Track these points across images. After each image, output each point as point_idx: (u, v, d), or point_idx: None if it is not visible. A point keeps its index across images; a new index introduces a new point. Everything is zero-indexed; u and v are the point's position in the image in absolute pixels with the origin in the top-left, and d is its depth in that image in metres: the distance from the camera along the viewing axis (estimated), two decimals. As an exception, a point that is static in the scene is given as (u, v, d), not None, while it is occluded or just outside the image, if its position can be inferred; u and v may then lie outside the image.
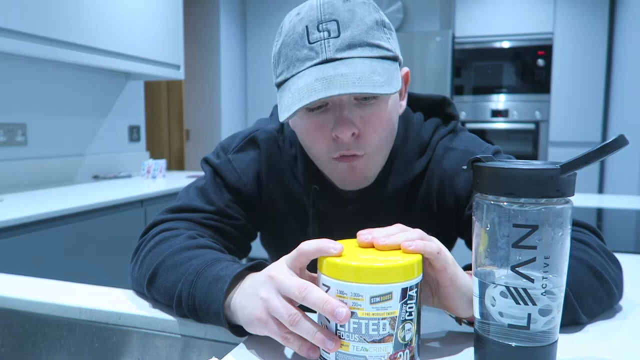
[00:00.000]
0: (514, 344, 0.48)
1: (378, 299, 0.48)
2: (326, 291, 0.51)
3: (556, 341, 0.49)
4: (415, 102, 0.89)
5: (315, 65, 0.68)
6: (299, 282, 0.52)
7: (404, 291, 0.49)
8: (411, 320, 0.50)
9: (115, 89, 2.94)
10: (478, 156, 0.51)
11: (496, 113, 3.88)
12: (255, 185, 0.88)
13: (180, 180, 2.69)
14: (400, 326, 0.50)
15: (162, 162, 2.84)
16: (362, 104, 0.71)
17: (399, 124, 0.85)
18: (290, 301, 0.53)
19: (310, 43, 0.69)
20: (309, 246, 0.53)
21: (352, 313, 0.49)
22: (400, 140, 0.84)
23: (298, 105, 0.66)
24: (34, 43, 1.96)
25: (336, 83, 0.65)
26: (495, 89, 3.90)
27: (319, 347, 0.52)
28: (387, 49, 0.71)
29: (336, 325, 0.50)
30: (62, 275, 1.58)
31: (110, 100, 2.91)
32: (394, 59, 0.72)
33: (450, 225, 0.87)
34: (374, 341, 0.49)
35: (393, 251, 0.53)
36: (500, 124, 3.87)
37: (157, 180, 2.73)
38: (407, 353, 0.51)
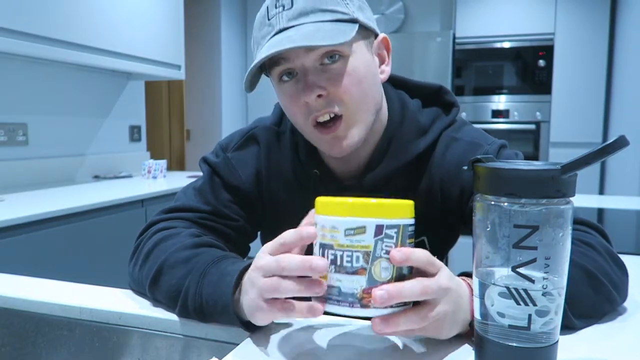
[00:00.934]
0: (514, 344, 0.48)
1: (352, 232, 0.51)
2: (316, 227, 0.55)
3: (557, 342, 0.49)
4: (411, 90, 0.90)
5: (271, 37, 0.72)
6: (273, 258, 0.55)
7: (379, 228, 0.51)
8: (389, 259, 0.51)
9: (116, 89, 2.94)
10: (479, 156, 0.51)
11: (497, 113, 3.88)
12: (255, 182, 0.88)
13: (180, 180, 2.69)
14: (375, 262, 0.51)
15: (163, 162, 2.85)
16: (325, 66, 0.73)
17: (396, 107, 0.85)
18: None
19: (268, 19, 0.73)
20: (290, 236, 0.55)
21: (330, 245, 0.52)
22: (397, 123, 0.84)
23: (248, 70, 0.72)
24: (34, 43, 1.96)
25: (278, 45, 0.69)
26: (496, 90, 3.90)
27: (318, 302, 0.54)
28: (342, 12, 0.73)
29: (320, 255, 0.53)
30: (63, 275, 1.58)
31: (111, 100, 2.91)
32: (352, 21, 0.73)
33: (454, 217, 0.86)
34: (347, 272, 0.51)
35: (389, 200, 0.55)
36: (500, 125, 3.87)
37: (157, 180, 2.73)
38: None
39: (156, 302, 0.74)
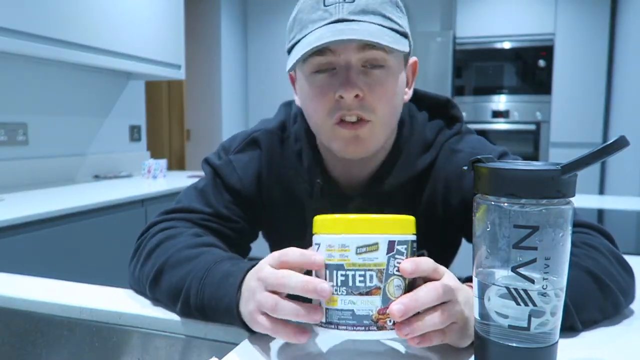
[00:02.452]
0: (514, 344, 0.48)
1: (364, 249, 0.49)
2: (317, 249, 0.52)
3: (556, 342, 0.49)
4: (420, 101, 0.89)
5: (328, 24, 0.70)
6: (276, 272, 0.54)
7: (391, 244, 0.50)
8: (401, 276, 0.50)
9: (116, 89, 2.94)
10: (479, 157, 0.51)
11: (497, 114, 3.88)
12: (256, 186, 0.88)
13: (180, 180, 2.69)
14: (389, 280, 0.50)
15: (163, 162, 2.84)
16: (369, 71, 0.72)
17: (405, 119, 0.85)
18: (278, 294, 0.54)
19: (325, 6, 0.71)
20: (293, 256, 0.53)
21: (340, 265, 0.50)
22: (406, 136, 0.84)
23: (306, 49, 0.69)
24: (35, 43, 1.96)
25: (347, 33, 0.68)
26: (496, 90, 3.90)
27: (307, 330, 0.53)
28: (398, 24, 0.73)
29: (326, 280, 0.51)
30: (63, 274, 1.58)
31: (111, 100, 2.91)
32: (404, 35, 0.74)
33: (455, 228, 0.86)
34: (360, 293, 0.49)
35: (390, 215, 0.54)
36: (501, 125, 3.87)
37: (157, 180, 2.73)
38: None
39: (156, 301, 0.74)
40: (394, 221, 0.51)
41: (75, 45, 2.17)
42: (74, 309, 0.76)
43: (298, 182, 0.88)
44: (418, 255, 0.87)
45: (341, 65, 0.72)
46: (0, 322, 0.80)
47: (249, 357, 0.59)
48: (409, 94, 0.83)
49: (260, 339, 0.63)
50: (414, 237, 0.53)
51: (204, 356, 0.69)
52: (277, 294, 0.54)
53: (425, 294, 0.50)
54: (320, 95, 0.74)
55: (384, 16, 0.72)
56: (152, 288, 0.73)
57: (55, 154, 2.53)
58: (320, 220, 0.53)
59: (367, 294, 0.49)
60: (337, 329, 0.50)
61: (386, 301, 0.49)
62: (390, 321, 0.50)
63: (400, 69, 0.76)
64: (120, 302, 0.76)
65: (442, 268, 0.54)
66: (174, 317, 0.70)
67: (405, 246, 0.51)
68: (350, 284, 0.49)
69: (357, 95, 0.71)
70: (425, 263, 0.52)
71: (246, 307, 0.58)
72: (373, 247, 0.49)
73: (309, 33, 0.72)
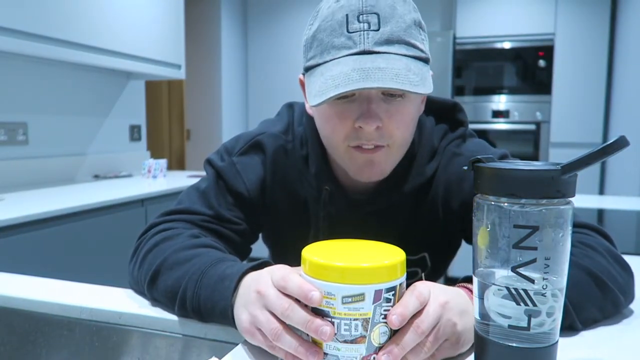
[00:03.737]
0: (514, 344, 0.48)
1: (350, 299, 0.49)
2: None
3: (556, 342, 0.49)
4: (427, 105, 0.89)
5: (352, 55, 0.68)
6: (282, 302, 0.53)
7: (378, 293, 0.49)
8: (387, 323, 0.50)
9: (116, 89, 2.94)
10: (479, 157, 0.51)
11: (497, 114, 3.88)
12: (259, 190, 0.87)
13: (180, 180, 2.69)
14: (374, 329, 0.50)
15: (163, 162, 2.84)
16: (389, 99, 0.71)
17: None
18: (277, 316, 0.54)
19: (349, 32, 0.69)
20: (294, 287, 0.52)
21: (327, 312, 0.50)
22: (416, 144, 0.84)
23: (334, 92, 0.66)
24: (35, 42, 1.96)
25: (374, 76, 0.65)
26: (496, 90, 3.90)
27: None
28: (422, 50, 0.72)
29: None
30: (63, 274, 1.58)
31: (111, 99, 2.91)
32: (426, 60, 0.73)
33: (455, 230, 0.87)
34: (345, 341, 0.50)
35: (379, 253, 0.53)
36: (501, 125, 3.87)
37: (157, 179, 2.73)
38: None
39: (155, 301, 0.74)
40: (382, 269, 0.49)
41: (75, 44, 2.17)
42: (74, 308, 0.76)
43: (304, 187, 0.87)
44: (418, 259, 0.88)
45: (362, 94, 0.71)
46: (0, 321, 0.80)
47: (248, 356, 0.59)
48: (423, 108, 0.82)
49: (260, 339, 0.62)
50: (402, 279, 0.52)
51: (204, 356, 0.69)
52: (276, 317, 0.54)
53: (411, 338, 0.50)
54: (338, 120, 0.73)
55: (409, 44, 0.70)
56: (150, 289, 0.73)
57: (55, 153, 2.53)
58: (307, 261, 0.52)
59: (352, 342, 0.50)
60: None
61: (371, 348, 0.50)
62: None
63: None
64: (120, 301, 0.76)
65: (425, 295, 0.53)
66: (173, 317, 0.70)
67: (392, 292, 0.50)
68: (336, 331, 0.50)
69: (377, 127, 0.71)
70: (412, 306, 0.51)
71: (240, 315, 0.58)
72: (359, 297, 0.49)
73: (330, 60, 0.70)
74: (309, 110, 0.83)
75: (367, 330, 0.49)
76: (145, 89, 3.26)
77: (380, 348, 0.50)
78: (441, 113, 0.89)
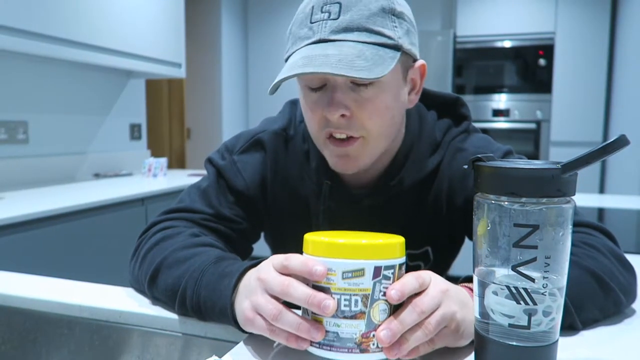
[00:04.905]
0: (514, 343, 0.48)
1: (350, 274, 0.50)
2: None
3: (557, 341, 0.49)
4: (429, 100, 0.88)
5: (309, 44, 0.69)
6: (281, 279, 0.53)
7: (377, 270, 0.50)
8: (386, 301, 0.51)
9: (117, 87, 2.94)
10: (479, 155, 0.51)
11: (497, 112, 3.88)
12: (260, 188, 0.87)
13: (181, 179, 2.69)
14: (374, 305, 0.50)
15: (163, 161, 2.85)
16: (357, 88, 0.71)
17: (414, 120, 0.84)
18: (277, 298, 0.54)
19: (311, 23, 0.70)
20: (295, 262, 0.53)
21: (327, 288, 0.51)
22: (415, 137, 0.83)
23: (277, 79, 0.68)
24: (35, 41, 1.96)
25: (315, 62, 0.65)
26: (497, 89, 3.90)
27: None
28: (388, 37, 0.70)
29: None
30: (63, 273, 1.58)
31: (112, 98, 2.91)
32: (395, 47, 0.70)
33: (459, 227, 0.86)
34: (345, 317, 0.50)
35: (379, 236, 0.54)
36: (501, 124, 3.87)
37: (158, 178, 2.73)
38: None
39: (155, 300, 0.74)
40: (381, 247, 0.51)
41: (76, 43, 2.17)
42: (74, 307, 0.76)
43: (304, 182, 0.87)
44: (420, 253, 0.88)
45: (331, 83, 0.71)
46: (0, 320, 0.81)
47: (248, 355, 0.59)
48: (413, 100, 0.80)
49: (260, 338, 0.63)
50: (402, 260, 0.53)
51: (204, 354, 0.69)
52: (277, 299, 0.54)
53: (409, 316, 0.51)
54: (311, 111, 0.75)
55: (371, 31, 0.68)
56: (150, 287, 0.73)
57: (55, 152, 2.53)
58: (309, 241, 0.53)
59: (352, 317, 0.50)
60: (321, 349, 0.52)
61: (370, 325, 0.50)
62: (373, 344, 0.51)
63: (396, 80, 0.73)
64: (120, 300, 0.76)
65: (425, 278, 0.54)
66: (173, 315, 0.70)
67: (392, 271, 0.51)
68: (337, 307, 0.50)
69: (343, 115, 0.70)
70: (410, 284, 0.52)
71: (241, 305, 0.58)
72: (359, 272, 0.50)
73: (295, 51, 0.71)
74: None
75: (366, 307, 0.50)
76: (146, 88, 3.26)
77: (379, 324, 0.51)
78: (444, 108, 0.89)
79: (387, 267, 0.51)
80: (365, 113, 0.71)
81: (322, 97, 0.72)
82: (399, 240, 0.53)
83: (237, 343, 0.63)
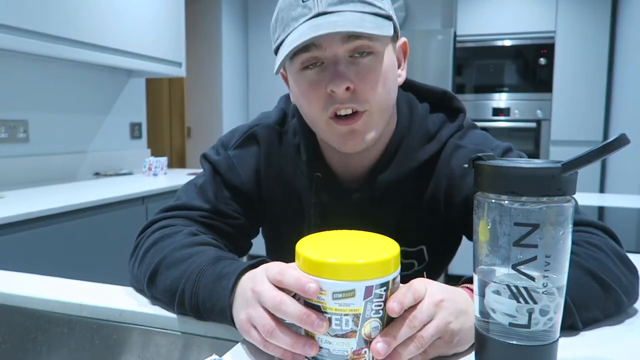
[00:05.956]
0: (514, 342, 0.48)
1: (340, 295, 0.49)
2: None
3: (557, 340, 0.49)
4: (419, 93, 0.89)
5: (308, 20, 0.70)
6: (274, 294, 0.53)
7: (369, 289, 0.49)
8: (378, 317, 0.50)
9: (117, 86, 2.94)
10: (479, 154, 0.51)
11: (498, 112, 3.87)
12: (254, 182, 0.88)
13: (181, 178, 2.69)
14: (365, 323, 0.50)
15: (164, 160, 2.85)
16: (357, 60, 0.72)
17: (404, 110, 0.84)
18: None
19: (303, 2, 0.71)
20: (289, 279, 0.52)
21: (318, 307, 0.50)
22: (405, 129, 0.83)
23: (288, 49, 0.68)
24: (35, 40, 1.96)
25: (326, 26, 0.67)
26: (497, 88, 3.89)
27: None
28: (380, 7, 0.72)
29: None
30: (63, 272, 1.58)
31: (112, 97, 2.91)
32: (387, 17, 0.73)
33: (457, 225, 0.86)
34: (337, 335, 0.50)
35: (373, 246, 0.53)
36: (501, 123, 3.86)
37: (158, 177, 2.73)
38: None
39: (154, 300, 0.74)
40: (374, 265, 0.49)
41: (76, 42, 2.17)
42: (75, 306, 0.76)
43: (297, 176, 0.87)
44: (415, 251, 0.88)
45: (329, 59, 0.72)
46: (0, 319, 0.81)
47: (248, 354, 0.59)
48: (402, 75, 0.82)
49: (261, 337, 0.63)
50: (396, 274, 0.52)
51: (204, 353, 0.69)
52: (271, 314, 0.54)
53: (403, 329, 0.51)
54: (312, 91, 0.74)
55: (364, 2, 0.71)
56: (149, 287, 0.73)
57: (55, 151, 2.53)
58: (301, 256, 0.52)
59: (343, 336, 0.50)
60: None
61: (361, 342, 0.50)
62: None
63: (389, 52, 0.75)
64: (120, 299, 0.76)
65: (421, 289, 0.53)
66: (173, 314, 0.70)
67: (384, 288, 0.50)
68: (329, 326, 0.50)
69: (348, 88, 0.71)
70: (407, 297, 0.51)
71: (238, 315, 0.58)
72: (349, 293, 0.49)
73: (291, 32, 0.71)
74: (293, 100, 0.83)
75: (357, 326, 0.50)
76: (146, 87, 3.25)
77: (370, 342, 0.50)
78: (434, 101, 0.88)
79: (380, 285, 0.50)
80: (368, 84, 0.72)
81: (322, 74, 0.72)
82: (393, 254, 0.51)
83: (237, 342, 0.63)
